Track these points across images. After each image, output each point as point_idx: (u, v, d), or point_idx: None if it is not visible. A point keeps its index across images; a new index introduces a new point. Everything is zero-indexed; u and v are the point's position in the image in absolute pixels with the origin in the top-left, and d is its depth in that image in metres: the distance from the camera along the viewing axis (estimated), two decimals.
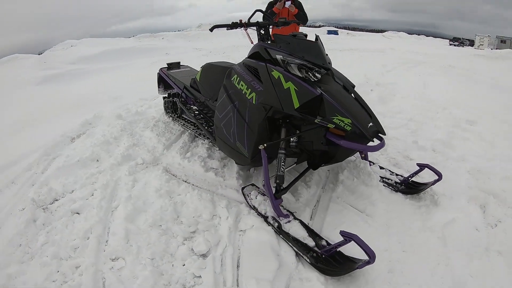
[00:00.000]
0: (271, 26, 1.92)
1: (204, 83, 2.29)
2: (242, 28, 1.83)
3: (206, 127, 2.23)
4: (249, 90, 1.51)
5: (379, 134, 1.37)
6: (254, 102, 1.48)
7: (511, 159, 2.11)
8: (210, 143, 2.38)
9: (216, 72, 2.23)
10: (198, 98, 2.42)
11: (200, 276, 1.23)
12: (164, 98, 2.99)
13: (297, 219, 1.48)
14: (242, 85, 1.57)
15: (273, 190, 1.48)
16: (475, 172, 1.94)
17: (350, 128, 1.28)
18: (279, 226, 1.43)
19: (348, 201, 1.73)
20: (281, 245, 1.37)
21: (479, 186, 1.78)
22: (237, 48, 9.99)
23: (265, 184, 1.46)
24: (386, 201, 1.69)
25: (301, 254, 1.30)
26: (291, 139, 1.47)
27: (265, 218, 1.50)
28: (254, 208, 1.59)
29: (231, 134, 1.65)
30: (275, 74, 1.42)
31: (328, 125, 1.31)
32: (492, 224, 1.53)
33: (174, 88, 2.86)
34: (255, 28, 1.84)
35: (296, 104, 1.32)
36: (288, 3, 3.37)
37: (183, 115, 2.82)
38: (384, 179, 1.87)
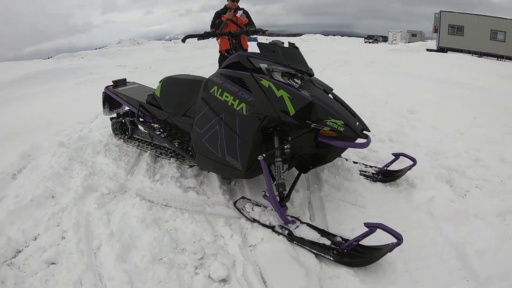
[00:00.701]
0: (222, 36, 1.93)
1: (167, 99, 2.21)
2: (215, 38, 1.84)
3: (178, 145, 2.11)
4: (237, 101, 1.49)
5: (364, 132, 1.50)
6: (244, 113, 1.46)
7: (456, 139, 2.58)
8: (180, 161, 2.27)
9: (181, 86, 2.18)
10: (157, 116, 2.32)
11: None
12: (111, 119, 2.83)
13: (304, 222, 1.50)
14: (226, 97, 1.54)
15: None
16: (432, 154, 2.29)
17: (343, 129, 1.36)
18: (290, 233, 1.42)
19: (337, 197, 1.83)
20: (297, 251, 1.36)
21: (440, 165, 2.10)
22: (162, 62, 10.03)
23: (269, 194, 1.45)
24: (371, 192, 1.85)
25: (322, 254, 1.32)
26: (285, 146, 1.49)
27: (271, 228, 1.47)
28: (255, 220, 1.55)
29: (218, 149, 1.60)
30: (265, 83, 1.43)
31: (324, 128, 1.37)
32: (462, 195, 1.82)
33: (121, 107, 2.77)
34: (227, 37, 1.86)
35: (292, 111, 1.36)
36: (240, 12, 3.47)
37: (134, 135, 2.70)
38: (362, 172, 2.04)
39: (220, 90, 1.58)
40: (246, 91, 1.48)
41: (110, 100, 2.71)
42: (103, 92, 2.76)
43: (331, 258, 1.30)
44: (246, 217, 1.58)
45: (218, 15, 3.50)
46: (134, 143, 2.65)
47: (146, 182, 2.05)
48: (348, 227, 1.52)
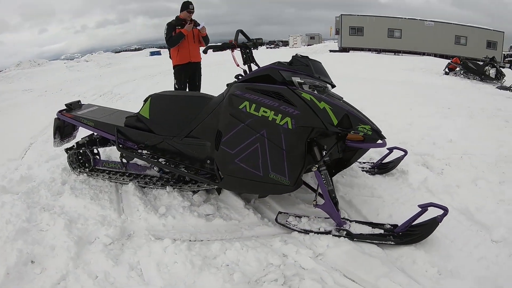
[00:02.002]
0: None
1: (160, 119, 2.10)
2: (229, 49, 1.84)
3: (190, 171, 2.01)
4: (280, 115, 1.54)
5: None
6: (290, 127, 1.52)
7: (408, 129, 3.24)
8: (178, 188, 2.16)
9: (180, 104, 2.10)
10: (144, 141, 2.17)
11: None
12: (67, 150, 2.58)
13: (352, 220, 1.68)
14: (265, 112, 1.57)
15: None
16: (400, 144, 2.79)
17: (371, 132, 1.59)
18: (349, 233, 1.57)
19: (355, 194, 2.09)
20: (361, 246, 1.53)
21: (412, 152, 2.61)
22: (70, 82, 9.43)
23: (326, 201, 1.57)
24: (378, 184, 2.19)
25: (383, 242, 1.52)
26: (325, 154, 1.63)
27: (328, 233, 1.59)
28: (308, 231, 1.63)
29: (259, 167, 1.62)
30: (306, 96, 1.54)
31: (359, 134, 1.57)
32: (440, 173, 2.35)
33: (72, 135, 2.61)
34: (239, 50, 1.87)
35: (335, 122, 1.51)
36: (203, 23, 3.52)
37: (97, 167, 2.55)
38: (361, 169, 2.38)
39: (254, 105, 1.60)
40: (288, 104, 1.54)
41: (62, 128, 2.50)
42: (55, 119, 2.51)
43: (392, 243, 1.51)
44: (297, 230, 1.64)
45: (172, 27, 3.44)
46: (104, 175, 2.44)
47: (153, 219, 1.90)
48: (385, 215, 1.79)
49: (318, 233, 1.61)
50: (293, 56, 1.73)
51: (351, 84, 5.67)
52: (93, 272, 1.46)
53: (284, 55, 17.82)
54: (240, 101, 1.65)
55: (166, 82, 7.86)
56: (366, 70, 9.29)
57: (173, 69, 3.65)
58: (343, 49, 19.89)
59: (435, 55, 14.59)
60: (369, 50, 18.85)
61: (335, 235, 1.57)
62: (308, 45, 30.58)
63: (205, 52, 1.97)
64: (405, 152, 2.28)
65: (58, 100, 5.87)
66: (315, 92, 1.62)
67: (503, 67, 10.08)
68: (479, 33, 18.64)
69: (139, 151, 2.18)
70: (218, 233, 1.74)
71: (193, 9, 3.44)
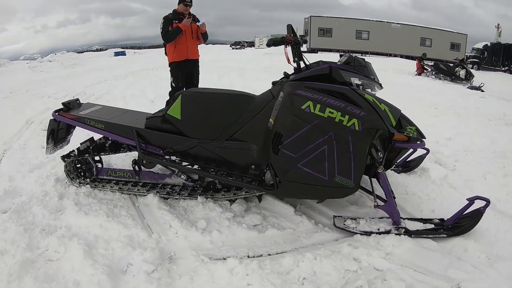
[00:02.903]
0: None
1: (196, 120, 1.98)
2: (284, 46, 1.80)
3: (233, 178, 1.92)
4: (347, 116, 1.57)
5: None
6: (357, 129, 1.57)
7: None
8: (213, 198, 2.08)
9: (220, 103, 1.98)
10: (172, 145, 2.03)
11: None
12: (65, 158, 2.33)
13: (404, 218, 1.82)
14: (331, 113, 1.59)
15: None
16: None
17: (416, 133, 1.74)
18: (407, 230, 1.71)
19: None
20: (419, 241, 1.68)
21: (422, 151, 2.90)
22: (37, 83, 8.88)
23: (390, 202, 1.70)
24: (407, 182, 2.40)
25: (437, 236, 1.69)
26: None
27: (388, 232, 1.71)
28: (369, 232, 1.73)
29: (324, 171, 1.64)
30: (369, 97, 1.63)
31: (410, 135, 1.71)
32: (452, 169, 2.65)
33: (66, 141, 2.39)
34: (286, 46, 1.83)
35: (394, 123, 1.62)
36: (203, 19, 3.42)
37: (100, 176, 2.37)
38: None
39: (319, 105, 1.61)
40: (354, 106, 1.59)
41: (56, 132, 2.26)
42: (51, 120, 2.26)
43: (445, 235, 1.68)
44: (358, 232, 1.73)
45: (169, 21, 3.30)
46: (112, 186, 2.25)
47: (195, 236, 1.79)
48: (428, 210, 1.99)
49: (379, 233, 1.72)
50: (349, 56, 1.81)
51: None
52: None
53: (254, 55, 18.24)
54: (302, 100, 1.65)
55: (142, 82, 7.80)
56: None
57: (169, 66, 3.52)
58: (312, 50, 20.77)
59: (401, 56, 15.97)
60: (337, 51, 19.90)
61: (397, 234, 1.69)
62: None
63: (268, 45, 1.88)
64: (428, 150, 2.51)
65: (27, 102, 5.61)
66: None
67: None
68: (444, 35, 20.88)
69: (166, 157, 2.04)
70: (277, 245, 1.74)
71: (191, 2, 3.30)
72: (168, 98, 3.57)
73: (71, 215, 1.94)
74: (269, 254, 1.69)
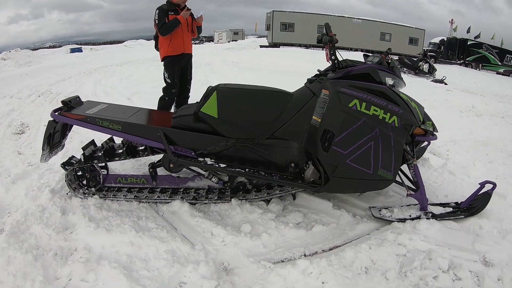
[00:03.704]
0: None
1: (236, 118, 1.95)
2: (327, 44, 1.88)
3: (283, 178, 1.94)
4: (388, 114, 1.77)
5: None
6: (397, 125, 1.78)
7: None
8: (245, 198, 2.11)
9: (260, 100, 1.98)
10: (206, 145, 1.97)
11: None
12: (66, 166, 2.15)
13: (428, 204, 2.09)
14: (375, 110, 1.77)
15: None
16: None
17: (432, 128, 2.05)
18: (434, 215, 1.99)
19: None
20: (444, 223, 1.95)
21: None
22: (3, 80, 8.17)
23: (421, 190, 1.95)
24: None
25: (456, 217, 1.98)
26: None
27: (418, 218, 1.97)
28: (403, 219, 1.98)
29: (370, 165, 1.83)
30: (403, 96, 1.85)
31: (429, 129, 2.02)
32: (446, 158, 3.06)
33: (60, 146, 2.20)
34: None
35: (422, 119, 1.89)
36: (201, 12, 3.42)
37: (106, 184, 2.20)
38: None
39: (364, 103, 1.76)
40: (394, 104, 1.79)
41: (53, 136, 2.05)
42: (50, 122, 2.05)
43: (463, 216, 1.98)
44: (395, 220, 1.97)
45: (164, 12, 3.22)
46: (126, 195, 2.11)
47: (245, 241, 1.81)
48: (442, 195, 2.32)
49: (411, 219, 1.98)
50: (381, 57, 2.02)
51: (306, 78, 6.30)
52: None
53: (215, 49, 18.10)
54: (349, 99, 1.78)
55: (110, 79, 7.52)
56: (316, 66, 10.30)
57: (163, 60, 3.42)
58: (274, 45, 21.20)
59: (362, 51, 17.02)
60: (299, 45, 20.57)
61: (427, 218, 1.96)
62: (232, 40, 31.63)
63: (325, 43, 1.88)
64: (429, 142, 2.89)
65: None
66: None
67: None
68: (402, 30, 22.47)
69: (200, 159, 1.99)
70: (327, 240, 1.88)
71: None
72: (162, 94, 3.51)
73: (88, 233, 1.76)
74: (323, 251, 1.82)
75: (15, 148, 3.34)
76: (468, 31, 22.07)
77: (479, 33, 21.74)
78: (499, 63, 19.20)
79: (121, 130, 1.99)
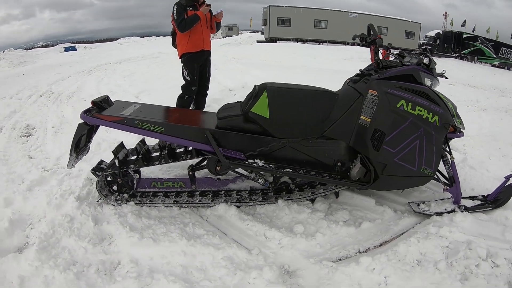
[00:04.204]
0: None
1: (287, 118, 1.97)
2: (372, 45, 2.03)
3: (332, 177, 2.01)
4: (431, 114, 1.91)
5: None
6: (438, 124, 1.93)
7: None
8: (289, 199, 2.17)
9: (310, 100, 1.99)
10: (257, 146, 1.96)
11: None
12: (96, 173, 2.08)
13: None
14: (420, 110, 1.90)
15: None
16: None
17: (461, 125, 2.22)
18: (466, 208, 2.20)
19: None
20: (475, 215, 2.11)
21: None
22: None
23: (457, 185, 2.16)
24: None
25: (485, 209, 2.18)
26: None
27: (453, 211, 2.18)
28: (440, 213, 2.18)
29: (414, 163, 1.98)
30: (442, 96, 2.02)
31: (458, 126, 2.18)
32: (464, 152, 3.32)
33: (86, 149, 2.09)
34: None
35: (455, 117, 2.07)
36: (221, 8, 3.39)
37: (139, 189, 2.11)
38: None
39: (410, 104, 1.89)
40: (435, 104, 1.93)
41: (80, 140, 1.96)
42: (81, 125, 1.94)
43: (490, 208, 2.17)
44: (433, 214, 2.17)
45: (183, 8, 3.16)
46: (164, 200, 2.04)
47: (301, 243, 1.87)
48: (469, 189, 2.54)
49: (447, 212, 2.19)
50: (419, 58, 2.16)
51: (312, 74, 6.63)
52: None
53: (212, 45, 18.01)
54: (397, 99, 1.91)
55: (113, 77, 7.51)
56: (314, 61, 10.56)
57: (182, 57, 3.34)
58: (271, 40, 21.29)
59: (359, 45, 17.28)
60: (296, 40, 20.71)
61: (461, 211, 2.18)
62: (227, 36, 31.63)
63: (379, 45, 2.00)
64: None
65: None
66: None
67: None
68: (399, 24, 22.76)
69: (250, 161, 1.99)
70: (376, 236, 2.01)
71: None
72: (180, 92, 3.43)
73: (131, 244, 1.66)
74: (374, 246, 1.94)
75: (25, 152, 3.19)
76: (463, 25, 22.49)
77: (474, 26, 22.13)
78: (494, 56, 19.71)
79: (164, 132, 1.94)
